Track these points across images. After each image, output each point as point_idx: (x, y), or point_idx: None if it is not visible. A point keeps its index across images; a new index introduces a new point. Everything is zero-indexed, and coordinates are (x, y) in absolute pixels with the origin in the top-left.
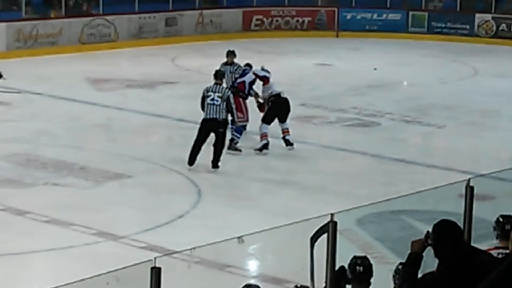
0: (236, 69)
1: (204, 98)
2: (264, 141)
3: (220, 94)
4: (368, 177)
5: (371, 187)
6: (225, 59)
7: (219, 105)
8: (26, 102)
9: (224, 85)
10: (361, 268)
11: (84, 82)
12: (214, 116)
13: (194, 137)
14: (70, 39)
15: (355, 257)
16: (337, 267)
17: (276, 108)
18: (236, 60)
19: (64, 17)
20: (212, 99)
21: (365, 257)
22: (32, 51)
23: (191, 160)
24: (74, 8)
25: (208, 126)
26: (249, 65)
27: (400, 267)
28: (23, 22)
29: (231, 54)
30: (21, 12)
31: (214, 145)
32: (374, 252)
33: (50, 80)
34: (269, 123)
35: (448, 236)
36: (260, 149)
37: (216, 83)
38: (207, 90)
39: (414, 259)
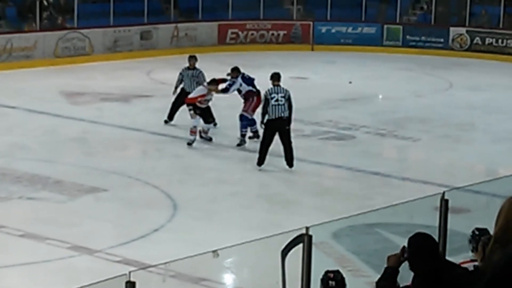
0: (198, 74)
1: (267, 101)
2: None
3: (282, 94)
4: (344, 190)
5: (346, 200)
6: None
7: (283, 104)
8: (1, 115)
9: (282, 85)
10: (334, 283)
11: (59, 95)
12: (280, 115)
13: (261, 139)
14: (45, 52)
15: (327, 271)
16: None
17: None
18: (209, 74)
19: (39, 30)
20: (277, 100)
21: (338, 271)
22: (7, 64)
23: (261, 161)
24: (49, 21)
25: (274, 126)
26: (237, 69)
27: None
28: None
29: (192, 58)
30: None
31: (284, 145)
32: (350, 265)
33: (24, 94)
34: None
35: (423, 249)
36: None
37: (275, 85)
38: (269, 93)
39: (390, 273)
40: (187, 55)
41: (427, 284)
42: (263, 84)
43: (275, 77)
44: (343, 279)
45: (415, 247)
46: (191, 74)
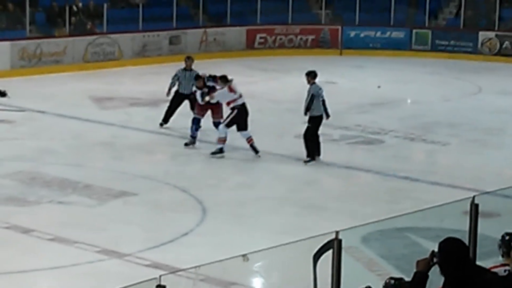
0: (195, 75)
1: (313, 97)
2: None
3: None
4: (372, 194)
5: (375, 205)
6: (183, 65)
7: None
8: (30, 120)
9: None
10: None
11: (88, 100)
12: (322, 112)
13: (309, 136)
14: (74, 57)
15: (391, 278)
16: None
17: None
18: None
19: (68, 35)
20: (323, 97)
21: (402, 279)
22: (36, 69)
23: (313, 154)
24: (78, 26)
25: (320, 121)
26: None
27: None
28: (27, 40)
29: (189, 59)
30: (25, 30)
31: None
32: (379, 269)
33: (54, 99)
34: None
35: (453, 254)
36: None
37: (314, 83)
38: (318, 90)
39: (420, 278)
40: (215, 60)
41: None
42: (286, 90)
43: (314, 75)
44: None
45: (445, 251)
46: (188, 75)
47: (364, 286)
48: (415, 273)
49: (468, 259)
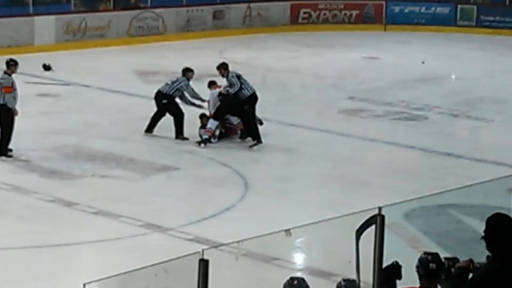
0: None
1: (239, 79)
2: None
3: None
4: (416, 171)
5: (418, 181)
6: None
7: None
8: (75, 94)
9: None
10: (434, 265)
11: (132, 74)
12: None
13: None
14: (118, 32)
15: (426, 253)
16: (384, 261)
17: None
18: (281, 53)
19: (113, 10)
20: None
21: (437, 254)
22: (81, 43)
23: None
24: (123, 1)
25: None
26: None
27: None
28: (72, 15)
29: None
30: (70, 5)
31: None
32: (421, 246)
33: (98, 73)
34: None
35: (500, 229)
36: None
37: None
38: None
39: (462, 272)
40: (259, 35)
41: (503, 264)
42: (330, 65)
43: (226, 67)
44: (443, 263)
45: (492, 226)
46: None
47: (391, 262)
48: (457, 268)
49: None
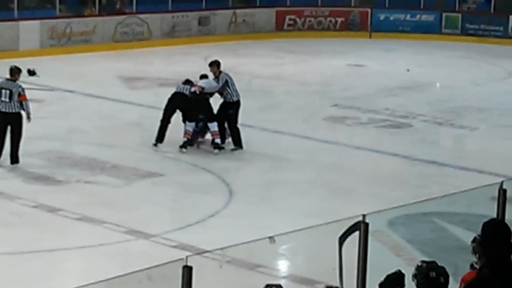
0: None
1: (227, 83)
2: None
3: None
4: (400, 178)
5: (402, 189)
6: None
7: None
8: (59, 99)
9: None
10: (434, 273)
11: (117, 80)
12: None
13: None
14: (104, 37)
15: (423, 262)
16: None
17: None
18: (266, 60)
19: (98, 15)
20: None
21: (435, 262)
22: (66, 48)
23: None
24: (108, 6)
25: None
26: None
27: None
28: (57, 20)
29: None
30: (55, 10)
31: None
32: (405, 254)
33: (83, 78)
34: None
35: (496, 234)
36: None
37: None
38: (229, 77)
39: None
40: (244, 41)
41: (497, 270)
42: (315, 72)
43: (218, 64)
44: (445, 272)
45: (488, 232)
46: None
47: (394, 271)
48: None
49: (509, 241)
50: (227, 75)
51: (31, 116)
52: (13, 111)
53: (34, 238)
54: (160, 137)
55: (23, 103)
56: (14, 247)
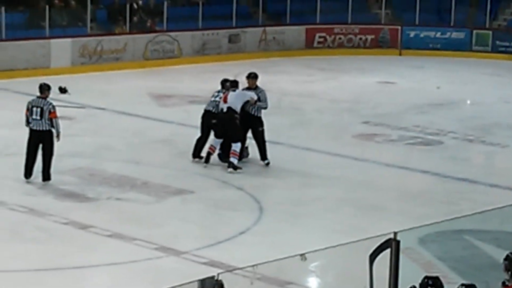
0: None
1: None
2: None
3: None
4: (430, 196)
5: (433, 206)
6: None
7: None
8: (90, 117)
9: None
10: None
11: (147, 97)
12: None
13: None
14: (134, 55)
15: (426, 277)
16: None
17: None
18: (296, 77)
19: (129, 33)
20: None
21: (437, 278)
22: (97, 66)
23: None
24: (139, 24)
25: None
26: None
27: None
28: (88, 38)
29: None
30: (86, 28)
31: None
32: (436, 271)
33: (113, 95)
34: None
35: None
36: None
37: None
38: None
39: None
40: (274, 59)
41: None
42: (345, 90)
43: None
44: (442, 286)
45: None
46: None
47: (409, 286)
48: None
49: None
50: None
51: (61, 135)
52: (44, 128)
53: (65, 254)
54: (196, 153)
55: (53, 120)
56: (45, 264)
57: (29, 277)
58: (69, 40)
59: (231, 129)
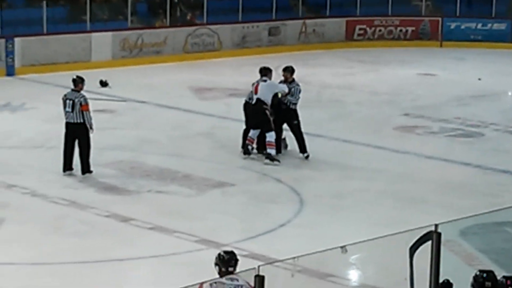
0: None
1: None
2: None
3: None
4: (471, 188)
5: (474, 198)
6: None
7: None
8: (131, 110)
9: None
10: (490, 284)
11: (188, 91)
12: None
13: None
14: (174, 48)
15: (481, 271)
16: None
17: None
18: (336, 70)
19: (169, 26)
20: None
21: (492, 272)
22: (137, 60)
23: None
24: (179, 17)
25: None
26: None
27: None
28: (128, 31)
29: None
30: (126, 21)
31: None
32: (477, 264)
33: (154, 89)
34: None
35: None
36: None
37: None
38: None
39: None
40: (314, 51)
41: None
42: (385, 82)
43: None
44: (497, 279)
45: None
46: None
47: (442, 280)
48: None
49: None
50: (300, 85)
51: (93, 127)
52: (76, 121)
53: (106, 247)
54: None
55: (84, 113)
56: (86, 256)
57: (73, 270)
58: (109, 33)
59: (260, 120)
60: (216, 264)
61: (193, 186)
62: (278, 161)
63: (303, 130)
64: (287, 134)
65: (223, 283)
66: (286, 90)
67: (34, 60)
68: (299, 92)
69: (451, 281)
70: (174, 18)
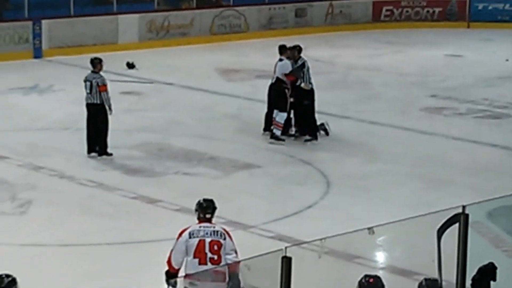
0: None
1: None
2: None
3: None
4: (499, 169)
5: (501, 180)
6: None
7: None
8: (158, 92)
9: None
10: None
11: (215, 72)
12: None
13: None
14: (201, 30)
15: (426, 279)
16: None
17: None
18: (363, 51)
19: (195, 8)
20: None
21: (436, 280)
22: (164, 42)
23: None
24: None
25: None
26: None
27: None
28: (155, 13)
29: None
30: (153, 3)
31: None
32: (505, 246)
33: (181, 71)
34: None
35: None
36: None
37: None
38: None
39: None
40: (341, 33)
41: None
42: (412, 63)
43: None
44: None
45: None
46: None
47: (486, 263)
48: None
49: None
50: (307, 63)
51: (112, 107)
52: (94, 102)
53: (133, 228)
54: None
55: (102, 94)
56: (113, 238)
57: (101, 251)
58: (136, 15)
59: (275, 99)
60: (195, 210)
61: (220, 168)
62: (283, 140)
63: (317, 112)
64: (326, 120)
65: (201, 228)
66: (287, 72)
67: (61, 42)
68: (307, 66)
69: (495, 264)
70: (200, 0)
